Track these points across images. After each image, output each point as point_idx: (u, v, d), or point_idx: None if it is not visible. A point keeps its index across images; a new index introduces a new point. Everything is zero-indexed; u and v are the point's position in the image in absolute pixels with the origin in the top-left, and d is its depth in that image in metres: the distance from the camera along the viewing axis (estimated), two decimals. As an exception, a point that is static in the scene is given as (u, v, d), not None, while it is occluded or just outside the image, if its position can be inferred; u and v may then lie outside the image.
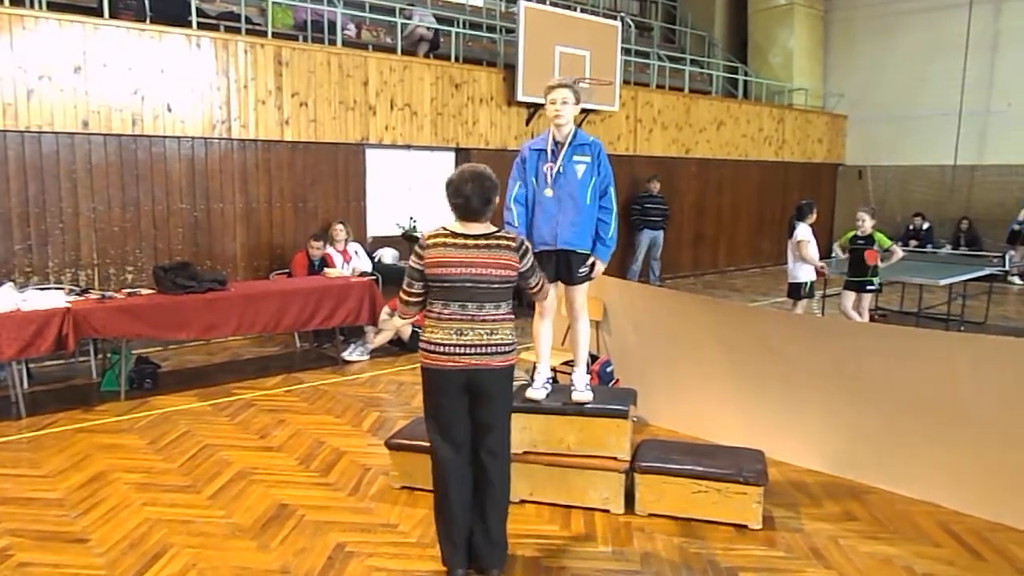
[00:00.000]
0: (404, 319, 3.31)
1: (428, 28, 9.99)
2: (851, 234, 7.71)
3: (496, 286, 3.22)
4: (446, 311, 3.20)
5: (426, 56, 9.85)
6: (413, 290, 3.27)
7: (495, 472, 3.30)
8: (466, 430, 3.27)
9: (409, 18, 9.92)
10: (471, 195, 3.17)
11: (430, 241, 3.22)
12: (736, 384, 5.02)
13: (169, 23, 7.56)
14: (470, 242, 3.20)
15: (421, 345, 3.28)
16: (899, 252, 7.73)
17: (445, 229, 3.26)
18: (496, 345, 3.22)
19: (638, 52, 13.69)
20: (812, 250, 7.55)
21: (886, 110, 15.52)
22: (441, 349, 3.19)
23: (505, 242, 3.24)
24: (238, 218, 8.07)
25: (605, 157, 4.16)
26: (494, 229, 3.27)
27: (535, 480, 4.14)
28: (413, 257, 3.26)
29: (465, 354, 3.18)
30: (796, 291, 7.71)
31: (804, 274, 7.64)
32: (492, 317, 3.23)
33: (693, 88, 13.76)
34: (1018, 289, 12.27)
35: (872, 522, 4.01)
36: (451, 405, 3.24)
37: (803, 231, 7.54)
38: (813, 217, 7.67)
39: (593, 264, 4.18)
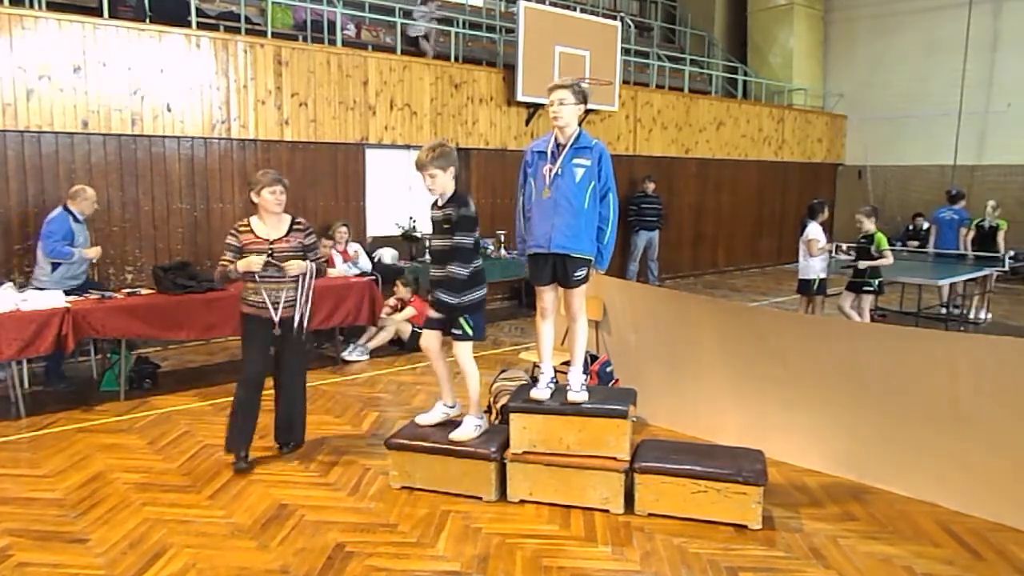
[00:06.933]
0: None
1: (426, 23, 10.00)
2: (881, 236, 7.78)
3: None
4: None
5: (435, 57, 9.86)
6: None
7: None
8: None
9: (410, 16, 9.94)
10: None
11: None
12: (736, 384, 5.02)
13: (169, 23, 7.56)
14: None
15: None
16: (888, 259, 7.73)
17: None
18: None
19: (638, 52, 13.68)
20: (821, 247, 7.68)
21: (886, 110, 15.52)
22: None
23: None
24: (238, 218, 7.99)
25: (608, 161, 4.09)
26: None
27: (535, 480, 4.14)
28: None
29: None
30: (806, 287, 7.80)
31: (813, 271, 7.72)
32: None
33: (693, 88, 13.75)
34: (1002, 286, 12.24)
35: (872, 522, 4.01)
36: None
37: (814, 230, 7.65)
38: (824, 216, 7.81)
39: (589, 270, 4.15)
